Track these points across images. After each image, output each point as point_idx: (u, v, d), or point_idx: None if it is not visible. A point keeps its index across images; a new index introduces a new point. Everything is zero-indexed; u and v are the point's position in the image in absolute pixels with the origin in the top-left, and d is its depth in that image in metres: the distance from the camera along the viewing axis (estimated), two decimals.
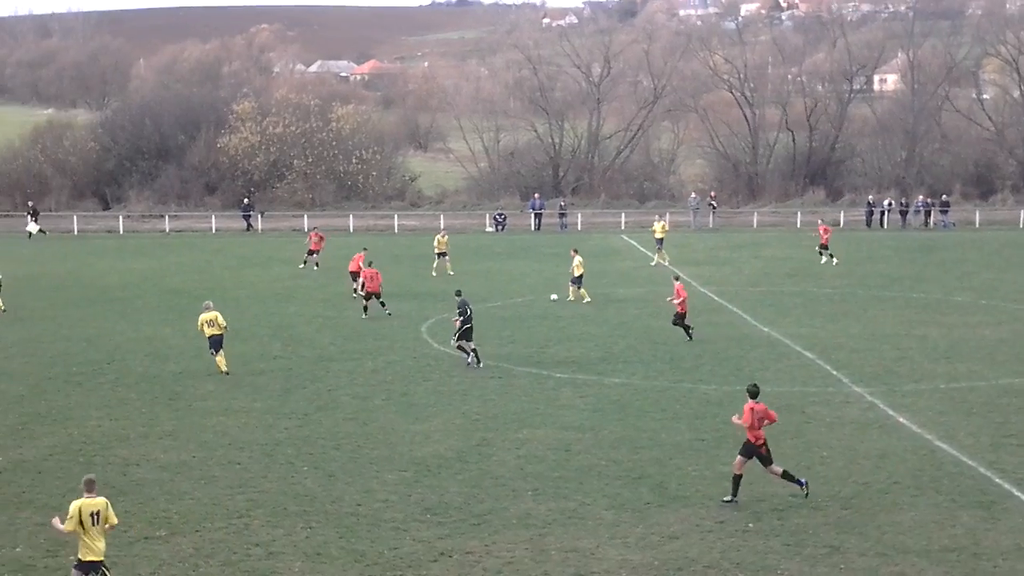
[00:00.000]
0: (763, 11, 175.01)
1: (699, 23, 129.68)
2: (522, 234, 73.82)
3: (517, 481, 23.28)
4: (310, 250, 55.64)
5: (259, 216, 76.50)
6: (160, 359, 34.95)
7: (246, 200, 78.19)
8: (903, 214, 77.59)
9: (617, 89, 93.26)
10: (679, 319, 37.35)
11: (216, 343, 32.38)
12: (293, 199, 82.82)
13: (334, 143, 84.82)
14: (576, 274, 45.31)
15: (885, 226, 76.25)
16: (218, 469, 24.11)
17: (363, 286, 41.89)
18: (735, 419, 22.25)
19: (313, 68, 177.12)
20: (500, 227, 75.58)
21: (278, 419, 28.11)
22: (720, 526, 20.72)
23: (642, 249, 62.91)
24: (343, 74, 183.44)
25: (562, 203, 79.10)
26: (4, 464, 24.43)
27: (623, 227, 75.38)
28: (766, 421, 21.49)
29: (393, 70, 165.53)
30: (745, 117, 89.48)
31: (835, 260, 55.58)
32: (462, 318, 33.33)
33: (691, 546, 19.79)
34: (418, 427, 27.35)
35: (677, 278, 39.39)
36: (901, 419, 27.89)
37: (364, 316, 41.55)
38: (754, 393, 21.63)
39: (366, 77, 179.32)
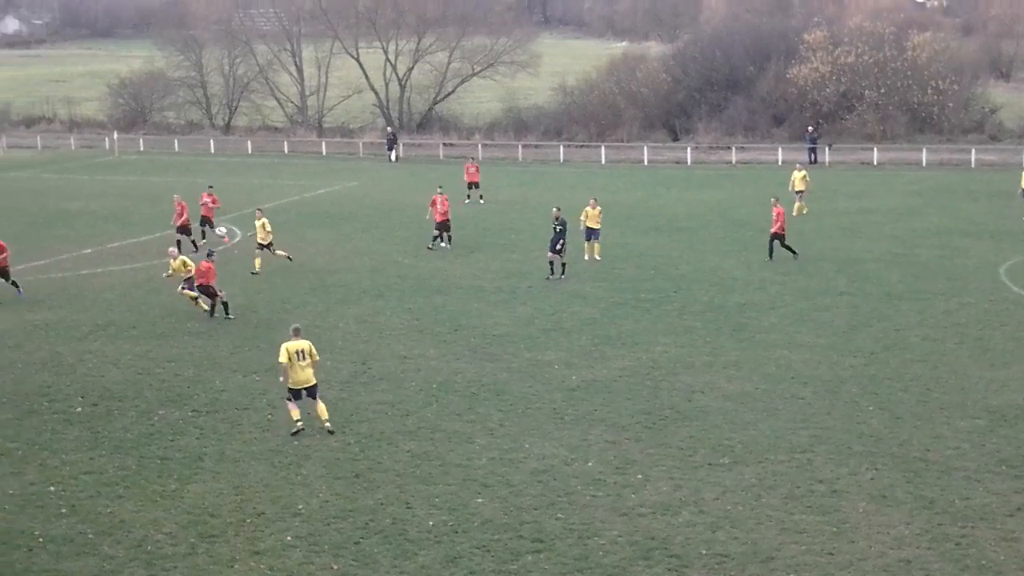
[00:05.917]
0: None
1: None
2: None
3: None
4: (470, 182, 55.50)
5: (826, 149, 75.17)
6: (724, 289, 35.27)
7: (810, 128, 76.94)
8: None
9: None
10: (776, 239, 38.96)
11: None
12: (863, 131, 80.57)
13: (909, 73, 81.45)
14: (266, 241, 38.26)
15: None
16: (781, 402, 23.96)
17: None
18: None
19: None
20: None
21: (843, 356, 27.50)
22: None
23: None
24: (920, 0, 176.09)
25: None
26: (578, 382, 25.66)
27: None
28: None
29: None
30: None
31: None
32: None
33: None
34: (993, 374, 25.76)
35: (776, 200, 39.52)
36: None
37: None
38: None
39: (945, 3, 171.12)
